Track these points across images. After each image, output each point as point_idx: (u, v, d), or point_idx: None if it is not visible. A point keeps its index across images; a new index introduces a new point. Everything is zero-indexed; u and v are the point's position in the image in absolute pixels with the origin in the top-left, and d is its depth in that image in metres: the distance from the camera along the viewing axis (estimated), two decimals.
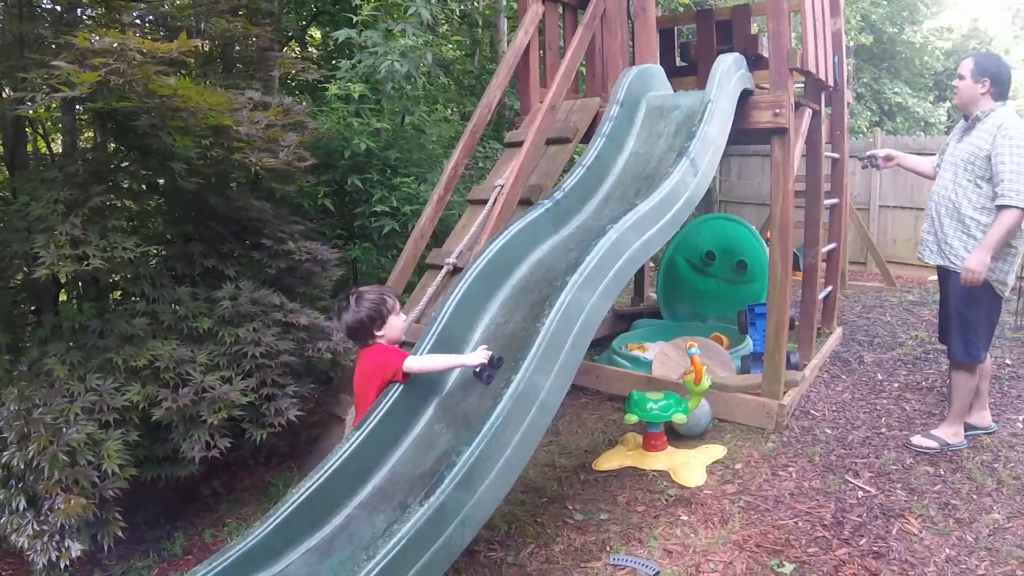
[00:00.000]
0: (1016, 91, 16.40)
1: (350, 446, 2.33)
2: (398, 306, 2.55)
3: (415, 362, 2.44)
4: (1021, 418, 3.80)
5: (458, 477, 1.88)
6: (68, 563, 2.49)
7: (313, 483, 2.23)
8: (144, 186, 3.25)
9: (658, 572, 2.55)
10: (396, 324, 2.53)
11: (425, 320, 3.02)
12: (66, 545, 2.49)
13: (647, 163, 3.33)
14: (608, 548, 2.71)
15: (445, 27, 5.68)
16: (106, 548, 2.67)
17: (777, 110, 3.46)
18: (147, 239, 3.27)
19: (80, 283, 3.29)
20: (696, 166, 2.87)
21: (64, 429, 2.58)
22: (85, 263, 2.73)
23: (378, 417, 2.39)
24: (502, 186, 3.61)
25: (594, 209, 3.20)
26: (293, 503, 2.18)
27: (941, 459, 3.35)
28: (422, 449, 2.39)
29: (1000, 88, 3.23)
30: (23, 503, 2.56)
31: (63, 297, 3.48)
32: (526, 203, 3.58)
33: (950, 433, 3.45)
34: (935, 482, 3.17)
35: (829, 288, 5.06)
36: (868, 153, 3.87)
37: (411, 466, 2.35)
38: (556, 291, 2.26)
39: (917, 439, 3.50)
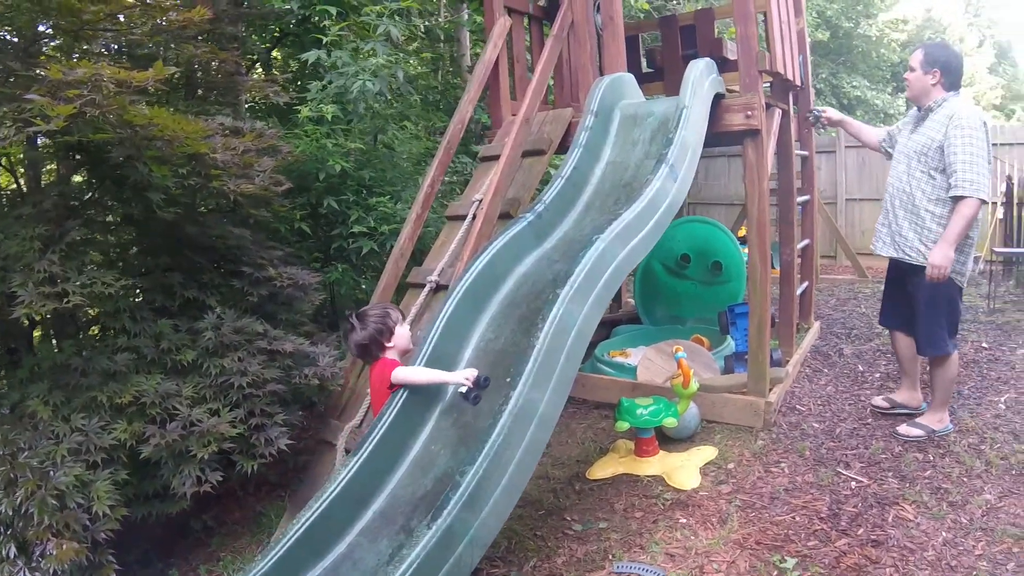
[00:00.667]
0: (972, 78, 16.87)
1: (348, 472, 2.30)
2: (401, 316, 2.59)
3: (401, 372, 2.48)
4: (1003, 399, 3.89)
5: (464, 497, 1.87)
6: None
7: (313, 513, 2.20)
8: (120, 218, 3.19)
9: None
10: (403, 334, 2.62)
11: (412, 340, 3.00)
12: None
13: (624, 171, 3.36)
14: (610, 556, 2.71)
15: (416, 44, 5.67)
16: None
17: (749, 112, 3.51)
18: (125, 272, 3.22)
19: (57, 321, 3.22)
20: (675, 172, 2.90)
21: (51, 472, 2.51)
22: (65, 300, 2.67)
23: (374, 441, 2.37)
24: (481, 201, 3.62)
25: (575, 220, 3.21)
26: (294, 535, 2.15)
27: (929, 445, 3.41)
28: (420, 471, 2.37)
29: (951, 78, 3.25)
30: (13, 550, 2.47)
31: (37, 335, 3.40)
32: (506, 217, 3.59)
33: (935, 420, 3.51)
34: (925, 468, 3.23)
35: (805, 284, 5.14)
36: (812, 108, 3.99)
37: (411, 488, 2.33)
38: (548, 304, 2.27)
39: (904, 428, 3.55)
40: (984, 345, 4.86)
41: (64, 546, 2.40)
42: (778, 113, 4.09)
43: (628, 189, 3.23)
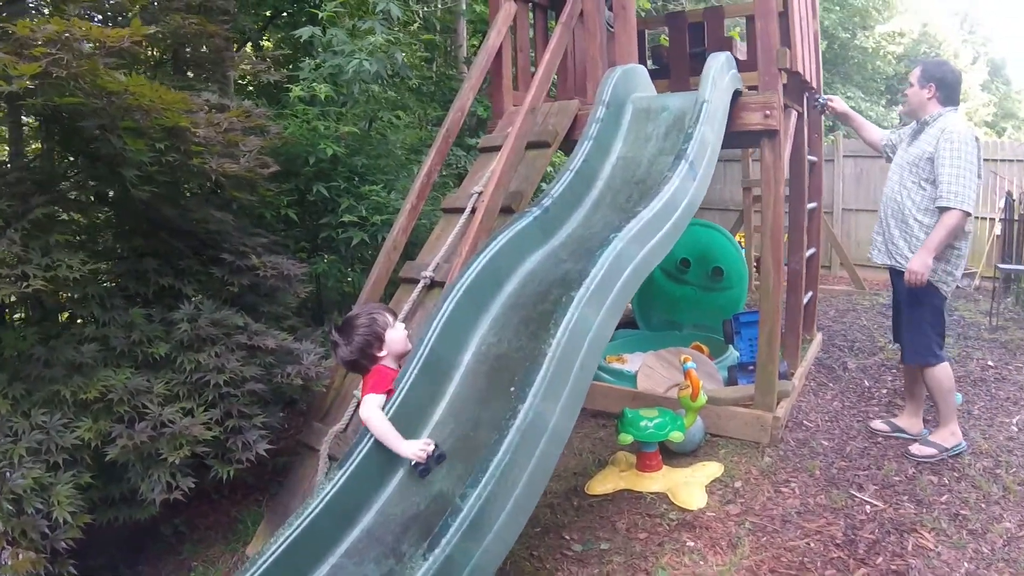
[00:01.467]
0: (965, 94, 16.90)
1: (334, 485, 2.08)
2: (391, 318, 2.35)
3: (367, 411, 2.21)
4: (1015, 420, 3.75)
5: (465, 524, 1.66)
6: None
7: (294, 530, 1.97)
8: (92, 196, 2.94)
9: None
10: (397, 337, 2.36)
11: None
12: None
13: (636, 167, 3.16)
14: None
15: (416, 25, 5.43)
16: None
17: (768, 112, 3.33)
18: (95, 255, 2.96)
19: (22, 306, 2.96)
20: (695, 170, 2.71)
21: (8, 473, 2.25)
22: (25, 284, 2.42)
23: (363, 452, 2.15)
24: (481, 193, 3.40)
25: (584, 216, 3.01)
26: (272, 555, 1.92)
27: (944, 468, 3.26)
28: (413, 487, 2.15)
29: (946, 92, 3.32)
30: None
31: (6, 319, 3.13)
32: (507, 211, 3.38)
33: (947, 435, 3.39)
34: (941, 492, 3.07)
35: (809, 294, 4.97)
36: (818, 96, 4.02)
37: (402, 506, 2.11)
38: (561, 308, 2.06)
39: (916, 448, 3.42)
40: (990, 363, 4.72)
41: (20, 556, 2.17)
42: (794, 115, 3.91)
43: (641, 186, 3.03)
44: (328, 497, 2.05)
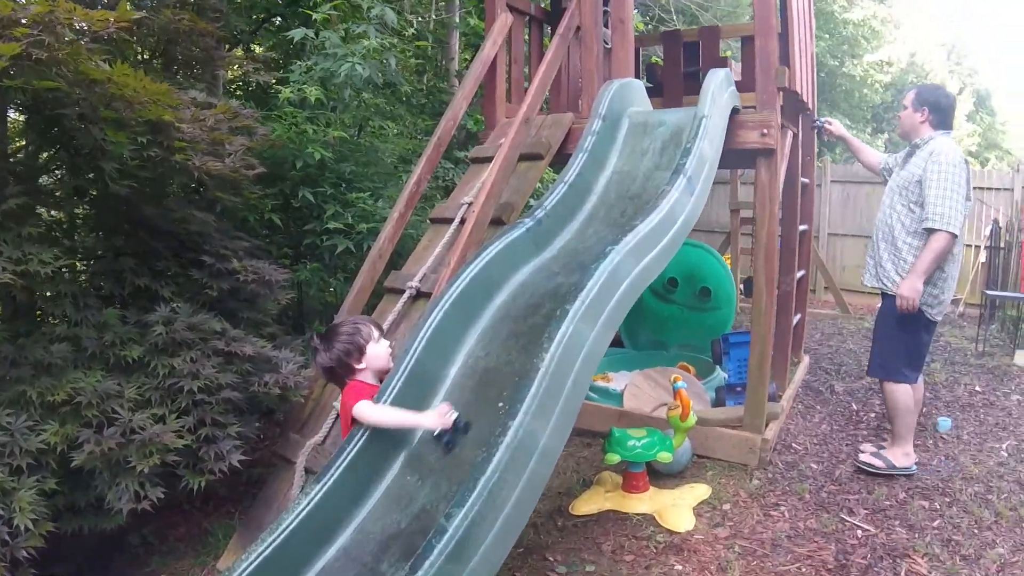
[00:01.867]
0: (955, 121, 17.13)
1: (310, 500, 1.98)
2: (376, 332, 2.25)
3: (365, 411, 2.11)
4: (1005, 446, 3.72)
5: (450, 547, 1.56)
6: None
7: (267, 546, 1.87)
8: (71, 191, 2.83)
9: None
10: (378, 353, 2.26)
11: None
12: None
13: (632, 182, 3.10)
14: None
15: (411, 32, 5.37)
16: None
17: (765, 130, 3.29)
18: (70, 252, 2.85)
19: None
20: (692, 185, 2.65)
21: None
22: None
23: (342, 466, 2.05)
24: (471, 203, 3.33)
25: (577, 230, 2.94)
26: (242, 574, 1.81)
27: (935, 493, 3.23)
28: (394, 504, 2.05)
29: (939, 117, 3.33)
30: None
31: None
32: (498, 223, 3.31)
33: (899, 455, 3.40)
34: (933, 517, 3.03)
35: (798, 316, 4.94)
36: (816, 118, 4.06)
37: (382, 524, 2.01)
38: (555, 321, 1.98)
39: (866, 456, 3.44)
40: (978, 388, 4.70)
41: None
42: (790, 135, 3.89)
43: (636, 201, 2.97)
44: (304, 513, 1.95)
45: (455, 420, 2.08)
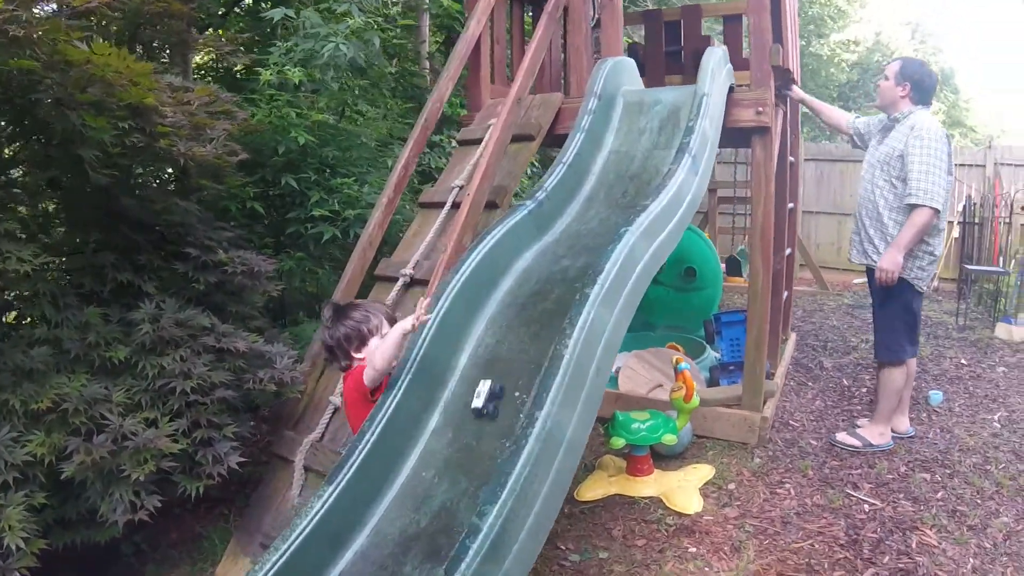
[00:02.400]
0: None
1: (323, 503, 1.88)
2: (385, 327, 2.14)
3: (370, 373, 2.06)
4: (997, 417, 3.77)
5: (485, 546, 1.49)
6: None
7: (281, 555, 1.77)
8: (45, 183, 2.66)
9: None
10: (381, 349, 2.11)
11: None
12: None
13: (631, 162, 3.04)
14: None
15: (395, 9, 5.20)
16: None
17: (760, 108, 3.25)
18: (46, 249, 2.68)
19: None
20: (697, 164, 2.60)
21: None
22: None
23: (355, 465, 1.96)
24: (462, 187, 3.24)
25: (578, 212, 2.87)
26: None
27: (935, 465, 3.26)
28: (411, 503, 1.97)
29: (920, 94, 3.31)
30: None
31: None
32: (491, 206, 3.22)
33: (875, 433, 3.43)
34: (936, 489, 3.05)
35: (785, 294, 4.93)
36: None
37: (399, 524, 1.93)
38: (576, 306, 1.91)
39: (842, 436, 3.47)
40: (963, 362, 4.76)
41: None
42: (781, 113, 3.85)
43: (636, 181, 2.91)
44: (318, 516, 1.86)
45: (491, 387, 2.05)
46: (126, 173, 2.61)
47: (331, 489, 1.91)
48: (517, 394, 2.06)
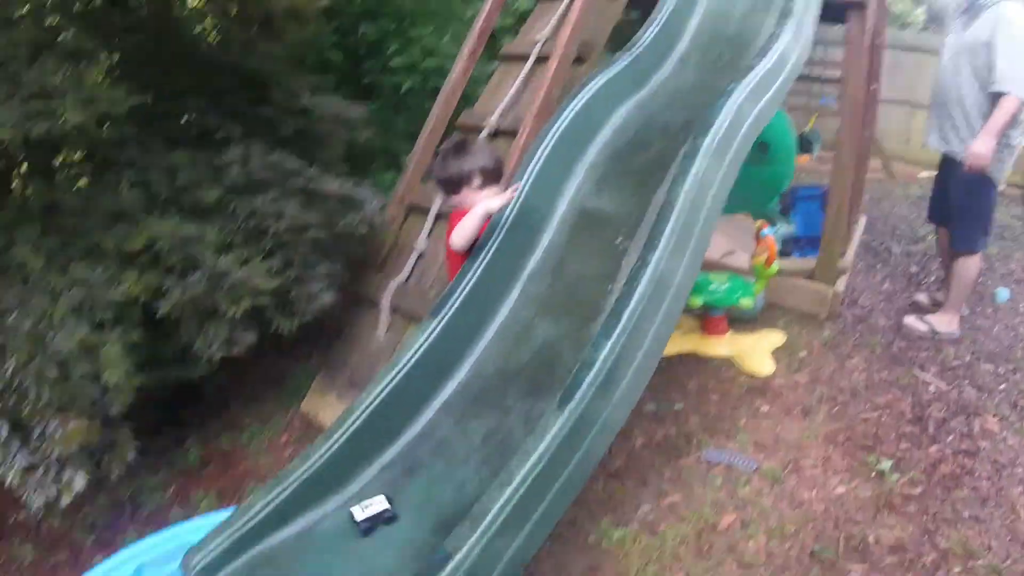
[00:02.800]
0: None
1: (427, 337, 1.96)
2: (477, 181, 2.17)
3: (454, 240, 2.17)
4: None
5: (599, 379, 1.54)
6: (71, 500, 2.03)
7: (388, 383, 1.87)
8: (127, 23, 2.61)
9: (756, 468, 2.35)
10: (474, 201, 2.16)
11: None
12: (67, 478, 2.02)
13: (727, 23, 2.86)
14: (695, 442, 2.49)
15: None
16: (114, 475, 2.18)
17: None
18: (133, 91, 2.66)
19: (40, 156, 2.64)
20: (801, 31, 2.44)
21: (49, 335, 2.02)
22: (61, 119, 2.08)
23: (457, 303, 2.02)
24: (547, 41, 3.13)
25: (672, 70, 2.75)
26: (365, 410, 1.83)
27: (999, 359, 3.21)
28: (512, 340, 2.04)
29: None
30: (6, 430, 2.01)
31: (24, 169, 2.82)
32: (578, 61, 3.12)
33: (944, 321, 3.43)
34: (999, 381, 3.04)
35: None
36: None
37: (501, 361, 2.01)
38: (687, 156, 1.87)
39: (910, 320, 3.47)
40: None
41: (71, 425, 2.00)
42: None
43: (734, 43, 2.75)
44: (423, 348, 1.94)
45: (383, 509, 1.74)
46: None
47: (435, 322, 1.98)
48: (619, 240, 2.08)
